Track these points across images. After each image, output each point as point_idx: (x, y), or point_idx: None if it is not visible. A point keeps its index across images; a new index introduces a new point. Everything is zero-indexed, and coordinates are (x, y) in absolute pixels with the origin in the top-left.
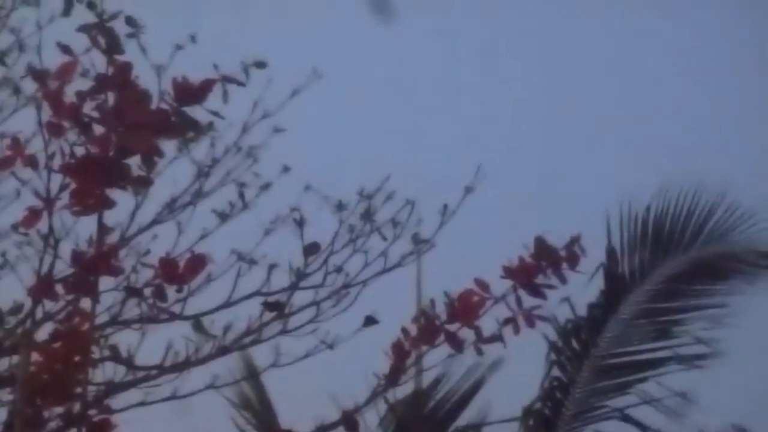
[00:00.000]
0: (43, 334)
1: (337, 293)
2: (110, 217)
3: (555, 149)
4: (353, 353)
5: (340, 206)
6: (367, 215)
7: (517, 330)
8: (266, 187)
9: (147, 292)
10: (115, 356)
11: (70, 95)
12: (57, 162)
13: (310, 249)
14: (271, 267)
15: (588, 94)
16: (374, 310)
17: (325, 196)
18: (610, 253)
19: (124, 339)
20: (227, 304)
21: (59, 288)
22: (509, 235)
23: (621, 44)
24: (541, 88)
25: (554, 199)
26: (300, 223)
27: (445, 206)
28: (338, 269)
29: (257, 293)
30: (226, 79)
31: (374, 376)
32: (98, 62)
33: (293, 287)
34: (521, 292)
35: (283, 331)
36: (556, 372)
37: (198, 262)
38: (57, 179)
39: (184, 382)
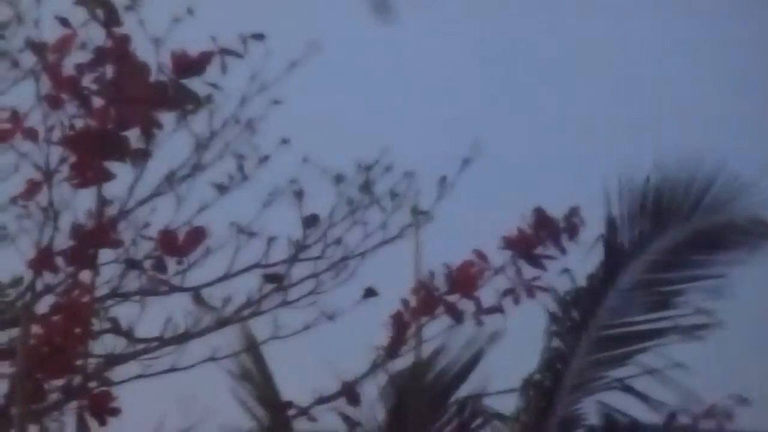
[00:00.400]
0: (43, 306)
1: (337, 265)
2: (109, 189)
3: (553, 121)
4: (353, 325)
5: (339, 178)
6: (366, 187)
7: (516, 301)
8: (265, 159)
9: (146, 264)
10: (115, 329)
11: (68, 68)
12: (56, 135)
13: (309, 221)
14: (271, 239)
15: (586, 64)
16: (374, 282)
17: (323, 168)
18: (610, 223)
19: (124, 311)
20: (226, 277)
21: (59, 261)
22: (508, 206)
23: (621, 17)
24: (538, 58)
25: (553, 171)
26: (299, 196)
27: (444, 178)
28: (337, 241)
29: (256, 265)
30: (225, 52)
31: (374, 348)
32: (97, 35)
33: (292, 259)
34: (521, 263)
35: (283, 303)
36: (556, 343)
37: (197, 234)
38: (56, 152)
39: (183, 355)
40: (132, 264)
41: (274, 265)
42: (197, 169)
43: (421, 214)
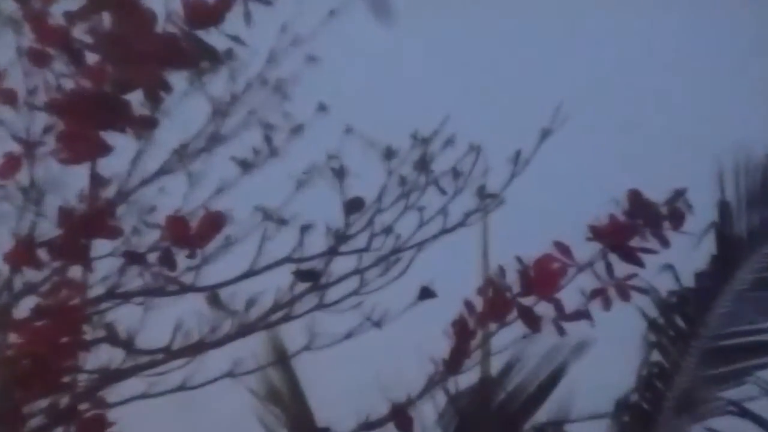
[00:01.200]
0: (23, 309)
1: (386, 259)
2: (106, 166)
3: (653, 84)
4: (405, 333)
5: (389, 153)
6: (422, 164)
7: (607, 304)
8: (298, 129)
9: (151, 258)
10: (112, 337)
11: (57, 16)
12: (40, 98)
13: (353, 205)
14: (305, 227)
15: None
16: (431, 279)
17: (370, 140)
18: (723, 210)
19: (124, 316)
20: (250, 273)
21: (43, 253)
22: (597, 188)
23: None
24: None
25: (653, 146)
26: (340, 174)
27: (518, 153)
28: (387, 230)
29: (287, 260)
30: None
31: (431, 362)
32: None
33: (332, 252)
34: (612, 258)
35: (320, 306)
36: (655, 356)
37: (214, 221)
38: (41, 119)
39: (197, 370)
40: (133, 257)
41: (309, 259)
42: (215, 142)
43: (490, 198)
